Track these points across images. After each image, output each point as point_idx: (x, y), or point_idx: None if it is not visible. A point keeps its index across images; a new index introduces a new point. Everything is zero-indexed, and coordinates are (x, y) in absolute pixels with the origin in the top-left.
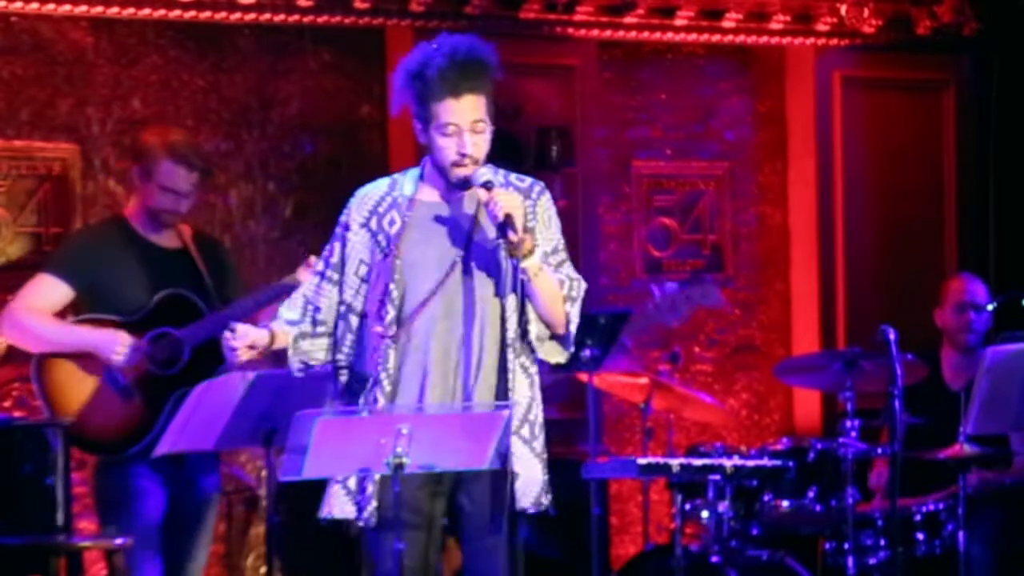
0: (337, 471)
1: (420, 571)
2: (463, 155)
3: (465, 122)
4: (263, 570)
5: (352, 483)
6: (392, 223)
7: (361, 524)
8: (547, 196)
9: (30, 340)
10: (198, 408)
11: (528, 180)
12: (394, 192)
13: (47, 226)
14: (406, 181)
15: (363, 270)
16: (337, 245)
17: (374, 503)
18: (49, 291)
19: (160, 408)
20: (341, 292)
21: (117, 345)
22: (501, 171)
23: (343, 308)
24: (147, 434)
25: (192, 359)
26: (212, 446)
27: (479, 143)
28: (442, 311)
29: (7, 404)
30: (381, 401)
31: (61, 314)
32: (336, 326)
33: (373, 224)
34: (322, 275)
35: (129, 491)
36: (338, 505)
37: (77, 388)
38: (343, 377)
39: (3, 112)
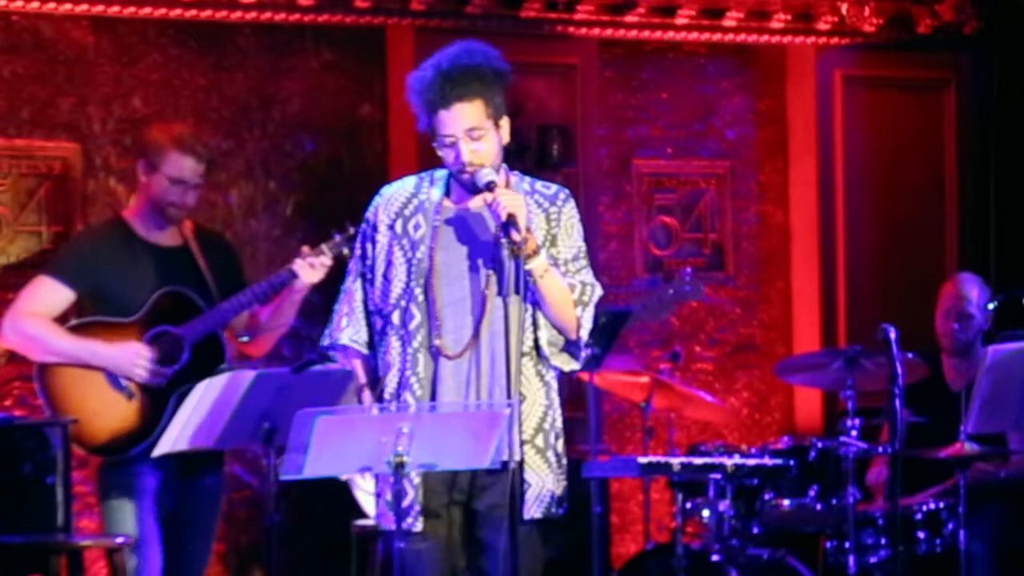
0: (338, 470)
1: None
2: (461, 163)
3: (459, 131)
4: (263, 569)
5: (383, 490)
6: (417, 227)
7: (395, 532)
8: (572, 204)
9: (34, 348)
10: (199, 407)
11: (554, 187)
12: (420, 194)
13: (48, 225)
14: (434, 185)
15: (388, 271)
16: (369, 246)
17: (417, 508)
18: (49, 295)
19: (163, 406)
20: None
21: (137, 359)
22: (528, 178)
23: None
24: (151, 432)
25: (192, 356)
26: (212, 445)
27: (478, 149)
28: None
29: (8, 403)
30: (412, 404)
31: (63, 318)
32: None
33: (398, 227)
34: (364, 277)
35: (133, 490)
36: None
37: (80, 390)
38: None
39: (4, 111)
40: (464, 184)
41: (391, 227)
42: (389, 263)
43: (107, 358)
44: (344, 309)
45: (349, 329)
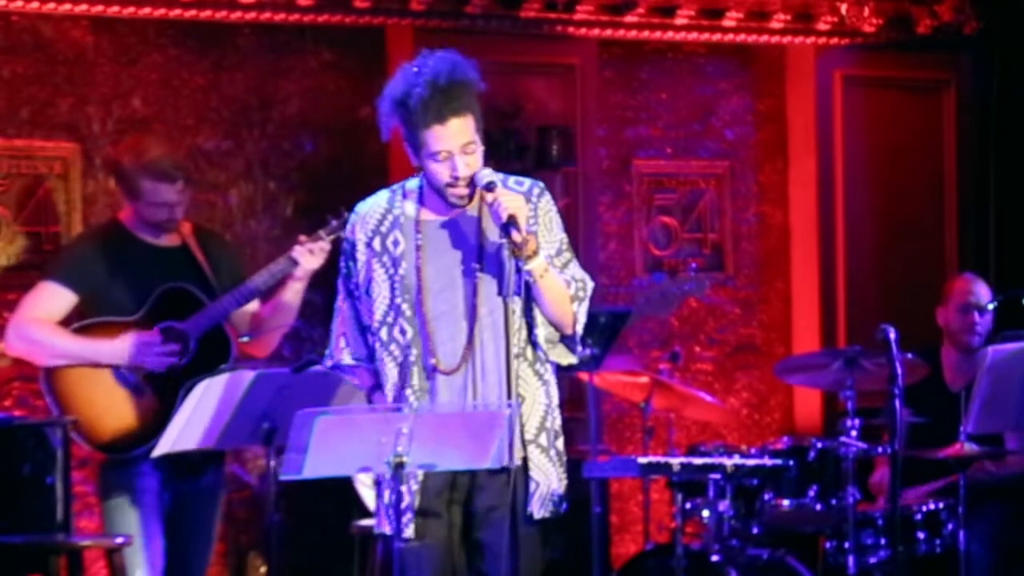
0: (338, 470)
1: None
2: (456, 178)
3: (455, 146)
4: (264, 569)
5: (382, 490)
6: (396, 243)
7: (397, 537)
8: (547, 197)
9: (40, 353)
10: (199, 407)
11: (528, 182)
12: (394, 209)
13: (47, 225)
14: (407, 199)
15: (371, 288)
16: (351, 264)
17: (410, 515)
18: (51, 299)
19: (173, 400)
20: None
21: (142, 345)
22: (499, 174)
23: None
24: (162, 428)
25: (200, 350)
26: (212, 444)
27: (471, 163)
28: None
29: (8, 403)
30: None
31: (66, 321)
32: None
33: (376, 244)
34: (352, 295)
35: (134, 489)
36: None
37: (87, 389)
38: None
39: (4, 111)
40: (447, 196)
41: (369, 245)
42: (370, 280)
43: (112, 353)
44: (340, 329)
45: (348, 348)
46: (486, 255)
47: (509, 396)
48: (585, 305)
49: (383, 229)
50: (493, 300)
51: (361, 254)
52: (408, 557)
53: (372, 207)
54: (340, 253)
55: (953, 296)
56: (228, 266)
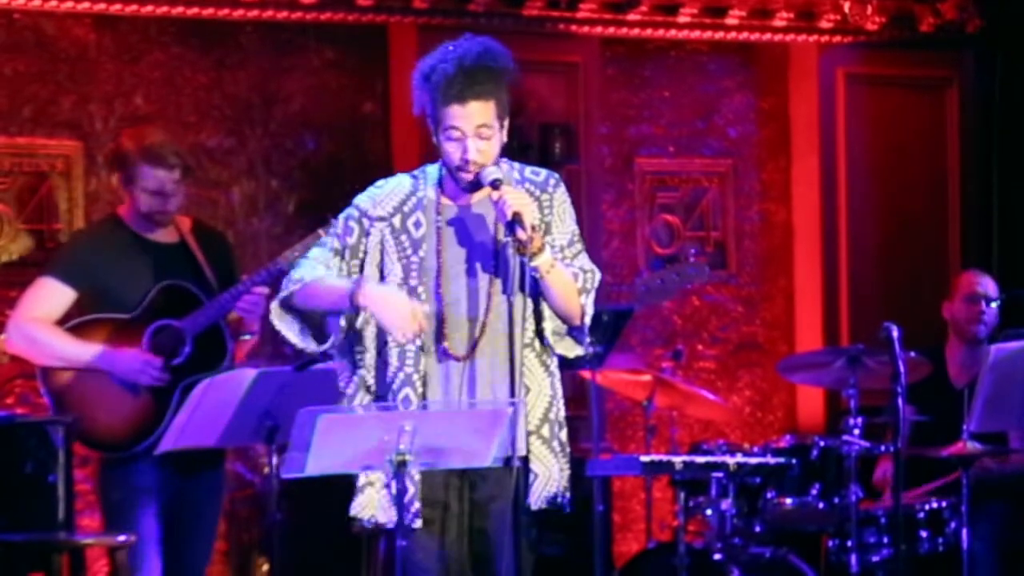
0: (340, 468)
1: (456, 568)
2: (466, 161)
3: (469, 128)
4: (265, 567)
5: (389, 485)
6: (418, 225)
7: (400, 527)
8: (562, 189)
9: (39, 353)
10: (201, 405)
11: (544, 173)
12: (418, 192)
13: (49, 223)
14: (428, 183)
15: (384, 265)
16: (357, 229)
17: (416, 505)
18: (51, 296)
19: (168, 400)
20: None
21: (148, 368)
22: (517, 165)
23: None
24: (158, 427)
25: (196, 348)
26: (215, 443)
27: (484, 148)
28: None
29: (10, 401)
30: (414, 401)
31: (64, 317)
32: (352, 324)
33: (397, 222)
34: (336, 251)
35: (133, 488)
36: (381, 509)
37: (84, 388)
38: (361, 372)
39: (6, 109)
40: (459, 180)
41: (388, 222)
42: (382, 254)
43: (111, 364)
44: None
45: (302, 271)
46: (500, 247)
47: (514, 391)
48: (592, 297)
49: (406, 209)
50: (504, 293)
51: (378, 227)
52: (411, 552)
53: (395, 187)
54: (345, 218)
55: (960, 287)
56: (226, 263)
